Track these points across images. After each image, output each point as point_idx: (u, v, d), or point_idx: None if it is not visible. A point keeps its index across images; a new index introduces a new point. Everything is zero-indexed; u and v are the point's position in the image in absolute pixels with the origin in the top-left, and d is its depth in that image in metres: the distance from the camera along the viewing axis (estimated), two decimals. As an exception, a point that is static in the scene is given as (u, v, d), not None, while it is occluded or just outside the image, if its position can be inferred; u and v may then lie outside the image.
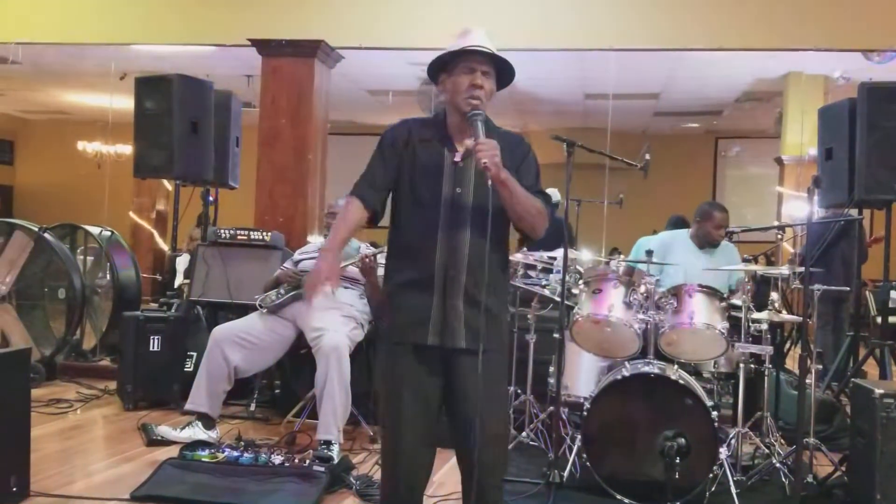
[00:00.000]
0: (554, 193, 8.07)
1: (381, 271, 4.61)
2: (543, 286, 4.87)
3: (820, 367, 4.84)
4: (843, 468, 3.95)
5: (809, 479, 3.90)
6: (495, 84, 2.67)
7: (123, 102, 7.38)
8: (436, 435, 2.68)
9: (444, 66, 2.68)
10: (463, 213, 2.60)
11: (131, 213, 11.17)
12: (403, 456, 2.64)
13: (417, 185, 2.63)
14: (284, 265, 4.96)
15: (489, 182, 2.47)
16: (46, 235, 5.98)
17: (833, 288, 4.92)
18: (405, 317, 2.64)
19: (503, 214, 2.60)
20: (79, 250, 6.73)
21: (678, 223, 6.61)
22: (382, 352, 2.76)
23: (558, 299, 4.03)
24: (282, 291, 4.66)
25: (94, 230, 6.69)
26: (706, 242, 4.84)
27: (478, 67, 2.61)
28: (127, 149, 8.89)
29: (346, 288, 4.69)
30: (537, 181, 2.71)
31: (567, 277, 3.98)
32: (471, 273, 2.59)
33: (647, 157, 4.32)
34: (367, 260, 4.44)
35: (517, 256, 4.90)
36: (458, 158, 2.63)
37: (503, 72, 2.68)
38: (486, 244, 2.50)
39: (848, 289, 5.40)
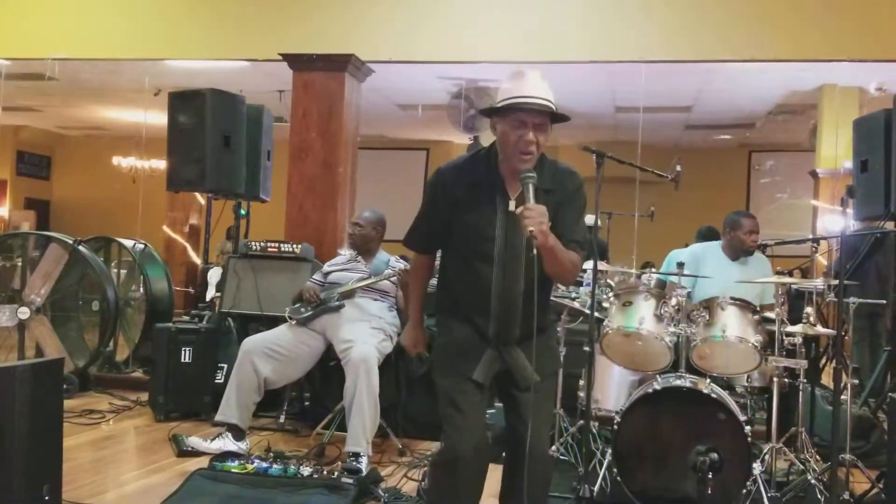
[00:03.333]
0: (587, 219, 7.93)
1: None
2: (573, 299, 4.84)
3: (856, 382, 4.74)
4: (881, 485, 3.87)
5: (846, 496, 3.83)
6: (549, 129, 2.58)
7: (158, 118, 7.47)
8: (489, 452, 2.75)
9: (496, 109, 2.60)
10: (518, 264, 2.60)
11: (165, 227, 11.28)
12: (464, 465, 2.65)
13: (471, 229, 2.62)
14: (314, 277, 4.98)
15: (534, 251, 2.44)
16: (81, 248, 6.06)
17: (868, 301, 4.83)
18: (456, 354, 2.70)
19: None
20: (113, 263, 6.83)
21: (707, 234, 6.54)
22: (436, 378, 2.79)
23: (588, 312, 4.00)
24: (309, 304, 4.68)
25: (128, 243, 6.78)
26: (740, 251, 4.78)
27: (529, 121, 2.53)
28: (161, 164, 8.98)
29: (375, 300, 4.70)
30: (578, 226, 2.68)
31: (597, 290, 3.95)
32: (525, 321, 2.60)
33: (679, 168, 4.28)
34: (405, 276, 4.48)
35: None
36: (511, 208, 2.58)
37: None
38: (534, 283, 2.52)
39: (884, 302, 5.29)
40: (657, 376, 4.01)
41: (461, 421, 2.62)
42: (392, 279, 4.69)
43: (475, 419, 2.65)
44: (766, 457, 3.97)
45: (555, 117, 2.59)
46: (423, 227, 2.77)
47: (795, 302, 5.18)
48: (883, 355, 5.29)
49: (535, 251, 2.43)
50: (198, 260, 8.62)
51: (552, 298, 4.78)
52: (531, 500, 2.62)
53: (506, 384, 2.72)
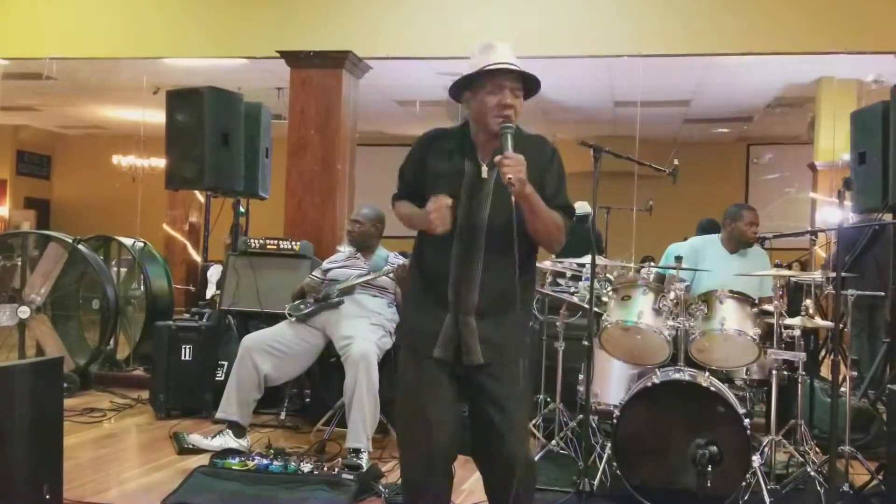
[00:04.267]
0: (584, 206, 8.02)
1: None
2: (572, 293, 4.84)
3: (855, 374, 4.75)
4: (881, 476, 3.88)
5: (846, 487, 3.84)
6: (522, 98, 2.61)
7: (156, 117, 7.48)
8: (461, 441, 2.68)
9: (468, 84, 2.61)
10: (478, 229, 2.58)
11: (165, 226, 11.30)
12: (422, 444, 2.62)
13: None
14: (313, 274, 4.99)
15: (513, 198, 2.44)
16: (80, 247, 6.07)
17: (867, 293, 4.83)
18: (418, 331, 2.65)
19: (522, 227, 2.55)
20: (113, 262, 6.84)
21: (708, 226, 6.54)
22: (400, 357, 2.76)
23: (587, 307, 4.01)
24: (309, 301, 4.68)
25: (128, 241, 6.79)
26: (740, 244, 4.79)
27: (507, 85, 2.55)
28: (161, 162, 8.99)
29: (374, 297, 4.71)
30: (561, 190, 2.67)
31: (596, 284, 3.96)
32: (484, 290, 2.57)
33: (676, 162, 4.29)
34: (400, 271, 4.47)
35: (546, 264, 4.89)
36: (484, 175, 2.58)
37: (528, 84, 2.64)
38: (515, 259, 2.46)
39: (882, 294, 5.30)
40: (656, 370, 4.01)
41: (423, 428, 2.59)
42: (390, 275, 4.69)
43: (440, 424, 2.59)
44: (766, 449, 3.98)
45: (527, 88, 2.62)
46: (405, 185, 2.74)
47: (794, 294, 5.18)
48: (882, 347, 5.30)
49: (512, 199, 2.43)
50: (198, 258, 8.64)
51: (552, 293, 4.86)
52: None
53: (473, 387, 2.64)
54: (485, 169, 2.59)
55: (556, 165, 2.67)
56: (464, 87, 2.63)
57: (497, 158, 2.47)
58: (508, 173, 2.41)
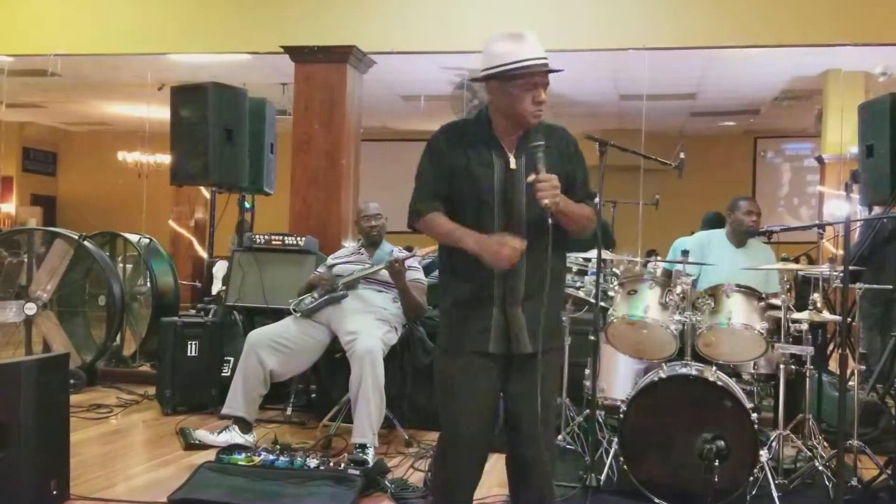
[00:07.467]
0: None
1: (410, 274, 4.63)
2: (578, 288, 4.83)
3: (863, 367, 4.73)
4: (889, 471, 3.86)
5: (854, 482, 3.82)
6: None
7: (161, 113, 7.48)
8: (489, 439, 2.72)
9: (510, 73, 2.58)
10: (517, 218, 2.58)
11: (170, 222, 11.32)
12: (460, 454, 2.66)
13: (468, 193, 2.60)
14: (318, 270, 4.98)
15: (549, 221, 2.47)
16: (86, 243, 6.07)
17: (875, 287, 4.80)
18: (465, 329, 2.62)
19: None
20: (118, 258, 6.84)
21: (713, 220, 6.51)
22: (438, 361, 2.75)
23: (593, 301, 4.00)
24: (315, 296, 4.67)
25: (133, 238, 6.80)
26: (742, 234, 4.77)
27: (540, 82, 2.57)
28: (166, 158, 8.99)
29: (379, 292, 4.70)
30: (587, 180, 2.73)
31: (602, 279, 3.94)
32: (529, 279, 2.58)
33: (682, 155, 4.27)
34: (397, 265, 4.45)
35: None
36: (513, 166, 2.60)
37: None
38: (548, 248, 2.49)
39: (891, 287, 5.26)
40: (663, 364, 4.00)
41: (462, 408, 2.62)
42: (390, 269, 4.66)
43: (479, 406, 2.63)
44: (774, 444, 3.96)
45: None
46: (428, 188, 2.68)
47: (802, 288, 5.15)
48: (891, 340, 5.27)
49: (549, 221, 2.47)
50: (203, 254, 8.63)
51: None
52: None
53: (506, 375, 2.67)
54: (513, 160, 2.60)
55: (580, 159, 2.72)
56: (493, 76, 2.61)
57: (531, 179, 2.50)
58: (545, 198, 2.45)
